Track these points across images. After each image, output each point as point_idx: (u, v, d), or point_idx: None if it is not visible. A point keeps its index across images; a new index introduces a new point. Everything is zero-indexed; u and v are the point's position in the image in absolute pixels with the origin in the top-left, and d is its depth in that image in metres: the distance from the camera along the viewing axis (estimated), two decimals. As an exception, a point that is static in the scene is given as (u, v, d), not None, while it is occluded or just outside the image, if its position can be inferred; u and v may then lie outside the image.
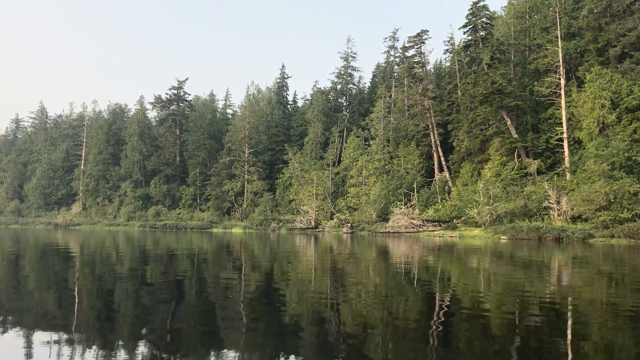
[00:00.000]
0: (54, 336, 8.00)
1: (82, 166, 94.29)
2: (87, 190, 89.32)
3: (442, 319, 9.48)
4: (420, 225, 49.64)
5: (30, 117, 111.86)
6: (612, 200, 36.09)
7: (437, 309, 10.57)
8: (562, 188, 41.85)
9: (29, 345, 7.50)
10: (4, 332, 8.29)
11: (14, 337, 7.92)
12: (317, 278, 15.81)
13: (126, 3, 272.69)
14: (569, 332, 8.41)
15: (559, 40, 50.20)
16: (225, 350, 7.51)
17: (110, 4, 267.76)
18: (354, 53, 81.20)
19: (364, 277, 15.95)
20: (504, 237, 38.50)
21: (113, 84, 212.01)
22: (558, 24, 51.04)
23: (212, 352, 7.40)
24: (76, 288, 12.99)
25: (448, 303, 11.24)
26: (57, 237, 45.27)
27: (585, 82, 47.35)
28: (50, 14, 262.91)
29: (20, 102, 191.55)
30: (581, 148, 46.35)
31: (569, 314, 10.02)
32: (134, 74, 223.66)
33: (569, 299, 11.82)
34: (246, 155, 76.16)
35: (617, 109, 44.06)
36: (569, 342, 7.75)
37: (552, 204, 40.31)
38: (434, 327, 8.74)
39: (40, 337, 7.98)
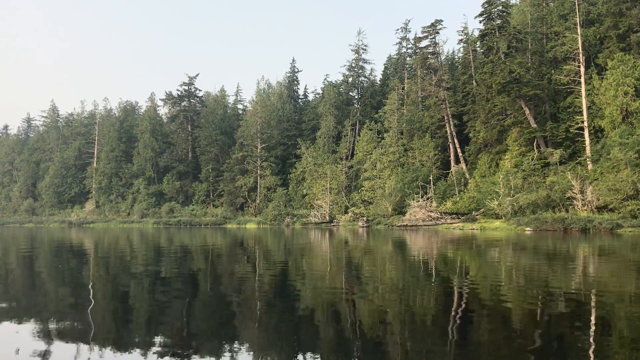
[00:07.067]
0: (70, 331, 7.64)
1: (94, 164, 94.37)
2: (100, 188, 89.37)
3: (467, 314, 8.78)
4: (438, 218, 48.72)
5: (42, 116, 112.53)
6: (640, 189, 34.96)
7: (467, 305, 9.79)
8: (585, 178, 40.70)
9: (45, 341, 7.07)
10: (21, 327, 7.86)
11: (31, 333, 7.49)
12: (333, 272, 15.11)
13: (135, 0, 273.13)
14: (594, 325, 7.72)
15: (578, 27, 48.87)
16: (240, 344, 7.09)
17: (120, 1, 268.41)
18: (365, 45, 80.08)
19: (381, 271, 15.21)
20: (528, 229, 37.47)
21: (123, 81, 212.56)
22: (577, 10, 49.71)
23: (227, 347, 6.96)
24: (91, 284, 12.44)
25: (478, 298, 10.45)
26: (72, 235, 45.03)
27: (607, 69, 46.03)
28: (58, 11, 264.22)
29: (31, 101, 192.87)
30: (603, 137, 45.10)
31: (595, 306, 9.25)
32: (144, 70, 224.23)
33: (604, 291, 10.95)
34: (258, 151, 75.65)
35: (641, 96, 42.80)
36: (594, 335, 7.11)
37: (576, 194, 39.18)
38: (453, 321, 8.15)
39: (55, 332, 7.58)
